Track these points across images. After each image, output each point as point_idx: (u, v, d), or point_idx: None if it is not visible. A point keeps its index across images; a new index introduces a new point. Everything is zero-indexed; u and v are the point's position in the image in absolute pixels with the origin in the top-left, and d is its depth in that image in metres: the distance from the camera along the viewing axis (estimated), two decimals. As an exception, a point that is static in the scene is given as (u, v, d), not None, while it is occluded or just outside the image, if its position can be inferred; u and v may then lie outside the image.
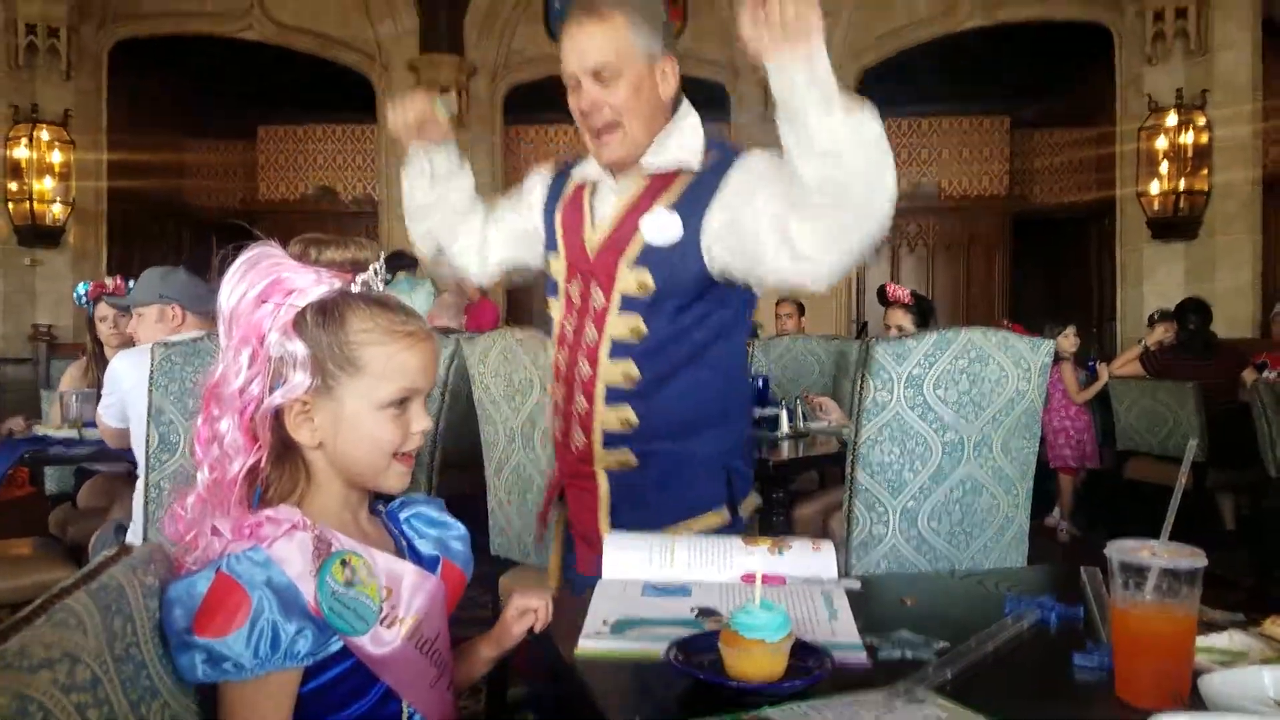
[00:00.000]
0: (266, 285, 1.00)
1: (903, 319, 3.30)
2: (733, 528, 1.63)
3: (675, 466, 1.62)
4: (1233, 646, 1.01)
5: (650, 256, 1.58)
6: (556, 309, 1.74)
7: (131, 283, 3.73)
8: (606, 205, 1.67)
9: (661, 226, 1.58)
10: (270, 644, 0.90)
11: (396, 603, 1.00)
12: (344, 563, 0.97)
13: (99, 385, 3.49)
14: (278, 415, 1.02)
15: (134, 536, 2.36)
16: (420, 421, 1.06)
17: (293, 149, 11.55)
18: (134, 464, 2.63)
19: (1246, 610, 1.08)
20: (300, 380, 1.00)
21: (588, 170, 1.73)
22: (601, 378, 1.62)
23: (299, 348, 1.00)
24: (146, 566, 0.90)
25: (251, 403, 1.00)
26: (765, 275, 1.55)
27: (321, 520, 1.00)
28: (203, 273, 2.93)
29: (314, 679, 0.97)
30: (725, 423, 1.67)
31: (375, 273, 1.07)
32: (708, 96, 10.06)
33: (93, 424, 3.10)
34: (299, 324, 1.01)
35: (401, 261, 6.85)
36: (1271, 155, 8.66)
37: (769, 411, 3.03)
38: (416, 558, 1.12)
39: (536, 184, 1.86)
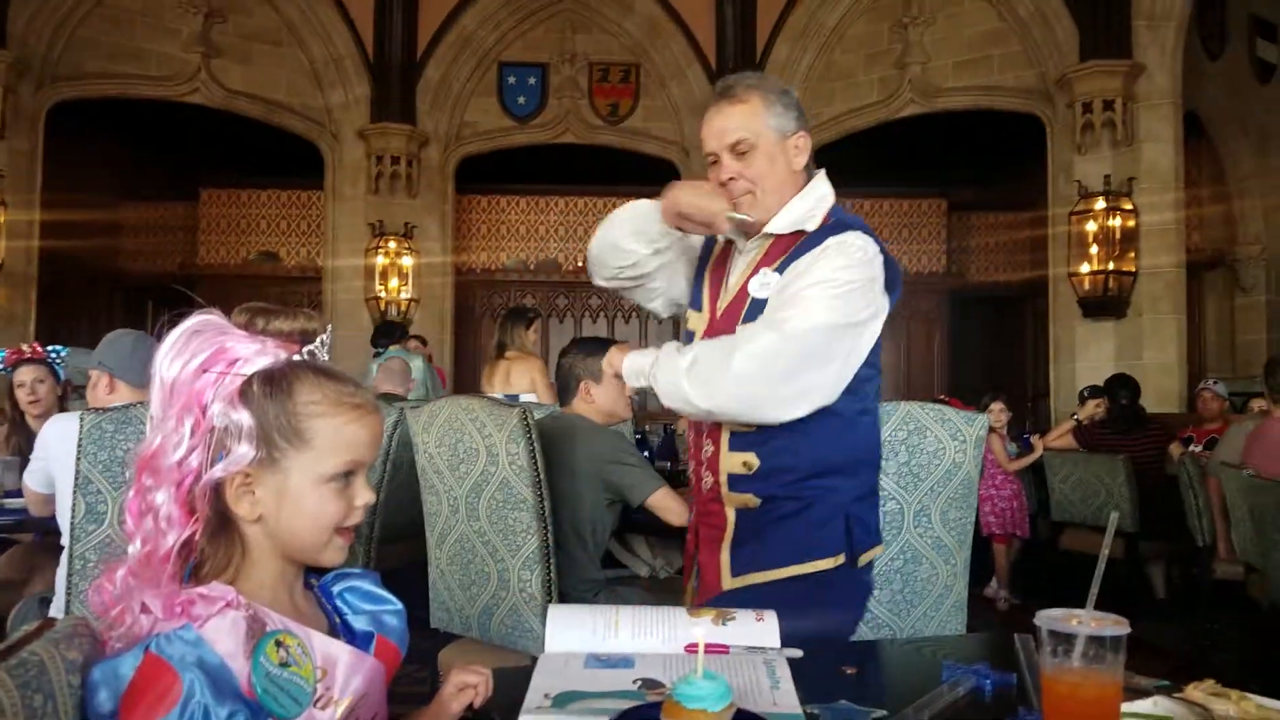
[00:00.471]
0: (210, 354, 0.98)
1: None
2: (850, 577, 1.73)
3: (795, 510, 1.71)
4: (1156, 711, 1.04)
5: (756, 313, 1.72)
6: None
7: (54, 348, 3.65)
8: (737, 269, 1.84)
9: (763, 284, 1.74)
10: None
11: (331, 683, 0.98)
12: (278, 643, 0.94)
13: (20, 453, 3.40)
14: (216, 488, 0.99)
15: (57, 610, 2.28)
16: (363, 495, 1.05)
17: (235, 213, 11.45)
18: (57, 534, 2.55)
19: (1178, 678, 1.11)
20: (244, 452, 0.97)
21: (733, 234, 1.86)
22: (725, 425, 1.74)
23: (244, 418, 0.97)
24: (70, 641, 0.86)
25: (190, 474, 0.97)
26: None
27: (255, 597, 0.97)
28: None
29: None
30: (850, 472, 1.78)
31: (322, 344, 1.06)
32: (660, 173, 10.28)
33: (13, 493, 3.00)
34: (245, 394, 0.98)
35: (392, 334, 6.85)
36: (1193, 239, 9.11)
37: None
38: (349, 634, 1.09)
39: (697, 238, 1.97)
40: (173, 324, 1.00)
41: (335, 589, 1.13)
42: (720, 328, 1.79)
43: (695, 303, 1.91)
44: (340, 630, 1.09)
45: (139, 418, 1.97)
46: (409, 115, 9.49)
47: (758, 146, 1.77)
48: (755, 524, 1.75)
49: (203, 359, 0.98)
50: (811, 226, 1.78)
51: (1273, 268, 9.66)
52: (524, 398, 4.67)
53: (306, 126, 9.56)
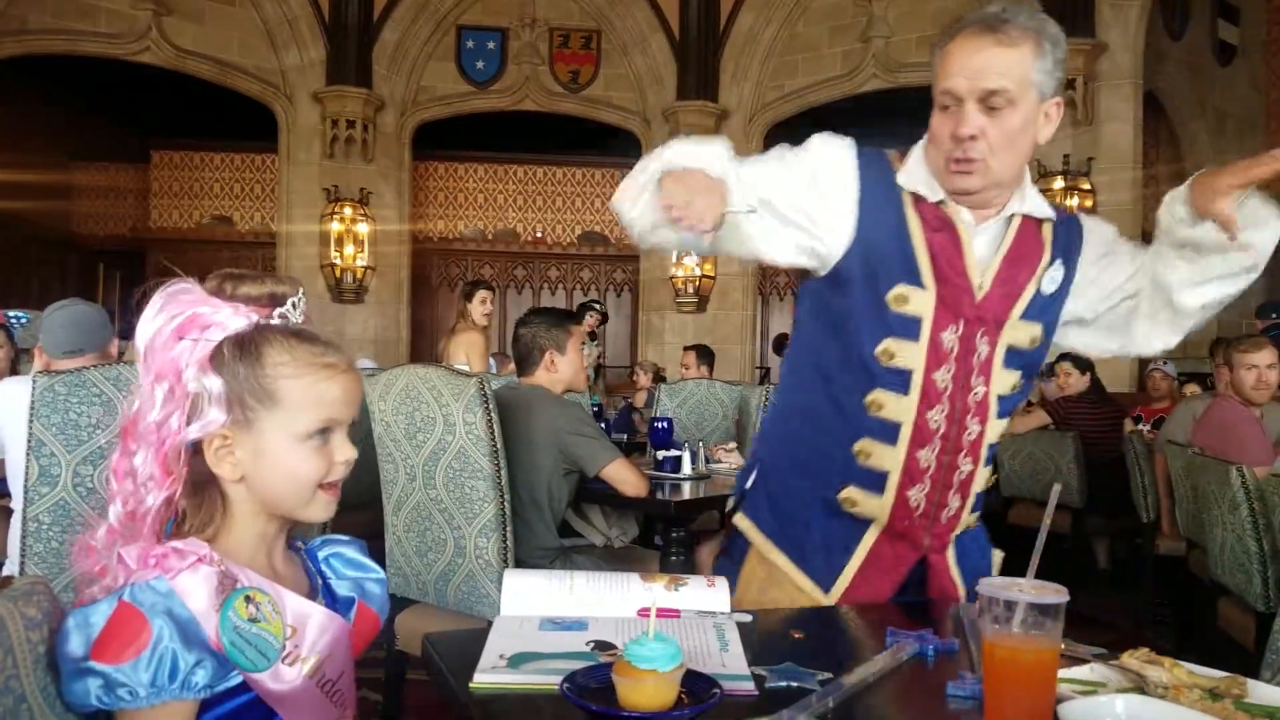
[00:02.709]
0: (184, 320, 1.00)
1: None
2: None
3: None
4: (1093, 677, 1.07)
5: (1037, 307, 1.51)
6: (911, 354, 1.48)
7: (11, 312, 3.61)
8: (977, 248, 1.49)
9: (1054, 278, 1.53)
10: (168, 673, 0.90)
11: (300, 641, 1.00)
12: (248, 599, 0.96)
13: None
14: (197, 449, 1.02)
15: (10, 571, 2.25)
16: (344, 451, 1.07)
17: (188, 176, 11.24)
18: (6, 495, 2.52)
19: (1117, 649, 1.15)
20: (215, 416, 1.00)
21: (918, 184, 1.50)
22: (988, 437, 1.53)
23: (214, 383, 1.00)
24: (28, 599, 0.88)
25: (170, 436, 1.00)
26: (1111, 344, 1.63)
27: (233, 555, 1.00)
28: (92, 299, 2.83)
29: (212, 710, 0.96)
30: None
31: (293, 306, 1.07)
32: (621, 143, 10.23)
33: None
34: (216, 358, 1.01)
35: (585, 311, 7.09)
36: (1149, 220, 9.23)
37: (672, 453, 3.08)
38: (331, 598, 1.12)
39: (844, 173, 1.53)
40: (148, 293, 1.02)
41: (321, 553, 1.16)
42: (981, 313, 1.48)
43: (906, 275, 1.47)
44: (323, 593, 1.12)
45: (92, 380, 1.95)
46: (365, 78, 9.33)
47: (1017, 104, 1.41)
48: (970, 548, 1.64)
49: (177, 324, 1.00)
50: (1053, 214, 1.56)
51: (1225, 250, 9.84)
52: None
53: (260, 88, 9.36)
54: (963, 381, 1.48)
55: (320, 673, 1.02)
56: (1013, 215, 1.51)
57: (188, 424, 1.00)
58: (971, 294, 1.47)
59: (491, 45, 9.94)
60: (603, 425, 4.65)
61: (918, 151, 1.54)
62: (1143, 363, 7.62)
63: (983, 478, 1.58)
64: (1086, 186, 7.87)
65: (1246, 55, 9.98)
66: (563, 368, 2.79)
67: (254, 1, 9.22)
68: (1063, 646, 1.07)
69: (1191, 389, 6.01)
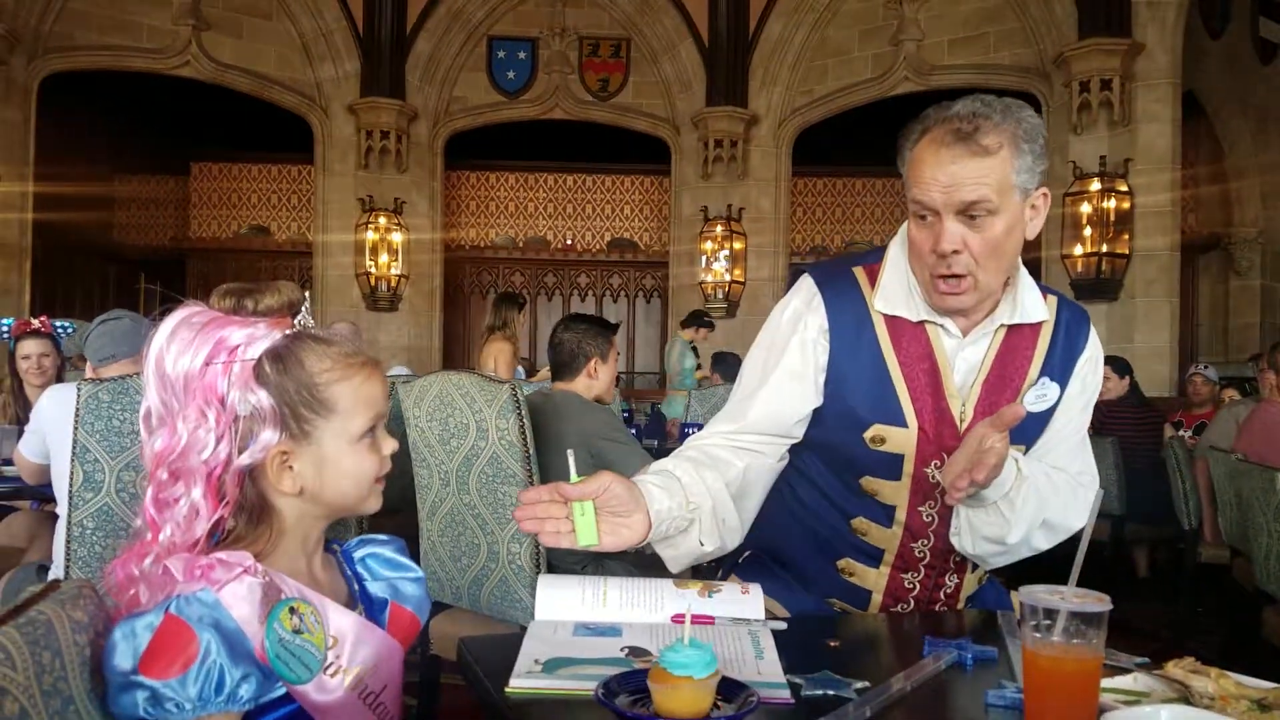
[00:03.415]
0: (211, 348, 1.00)
1: None
2: None
3: None
4: (1136, 687, 1.05)
5: (1020, 429, 1.30)
6: (896, 493, 1.44)
7: (58, 322, 3.71)
8: (962, 363, 1.42)
9: (1043, 396, 1.42)
10: (215, 687, 0.90)
11: (341, 652, 1.00)
12: (292, 610, 0.96)
13: (19, 422, 3.45)
14: (251, 472, 1.02)
15: (55, 574, 2.30)
16: (389, 444, 1.09)
17: (226, 186, 11.43)
18: (52, 500, 2.57)
19: (1159, 659, 1.12)
20: (270, 436, 1.00)
21: (897, 306, 1.41)
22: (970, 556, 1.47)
23: (264, 399, 1.00)
24: (75, 602, 0.89)
25: (219, 465, 1.00)
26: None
27: (275, 565, 1.00)
28: (133, 309, 2.90)
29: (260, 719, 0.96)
30: None
31: (306, 310, 1.08)
32: (651, 150, 10.25)
33: (10, 461, 3.03)
34: (260, 375, 1.00)
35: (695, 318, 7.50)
36: (1188, 222, 9.09)
37: (703, 459, 3.07)
38: (366, 599, 1.12)
39: (812, 337, 1.44)
40: (161, 316, 1.01)
41: (357, 554, 1.16)
42: (951, 444, 1.37)
43: (884, 416, 1.40)
44: (359, 597, 1.12)
45: (134, 388, 1.99)
46: (398, 90, 9.44)
47: (999, 211, 1.30)
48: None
49: (206, 352, 0.99)
50: (1051, 317, 1.46)
51: (1269, 251, 9.62)
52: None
53: (296, 101, 9.51)
54: (944, 513, 1.44)
55: (362, 685, 1.01)
56: (999, 326, 1.42)
57: (240, 451, 1.00)
58: (955, 426, 1.40)
59: (522, 55, 10.01)
60: (633, 432, 4.65)
61: (893, 261, 1.45)
62: (1183, 367, 7.50)
63: (969, 582, 1.55)
64: (1124, 188, 7.74)
65: (1288, 53, 9.77)
66: (603, 376, 2.82)
67: (290, 15, 9.37)
68: (1105, 656, 1.06)
69: (1230, 394, 5.89)
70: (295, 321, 1.06)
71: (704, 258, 9.70)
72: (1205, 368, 6.03)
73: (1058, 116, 8.21)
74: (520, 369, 5.08)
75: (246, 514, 1.03)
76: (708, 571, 2.63)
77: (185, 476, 0.99)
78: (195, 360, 0.99)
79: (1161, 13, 7.72)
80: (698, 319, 7.56)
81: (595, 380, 2.81)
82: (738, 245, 9.64)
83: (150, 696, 0.87)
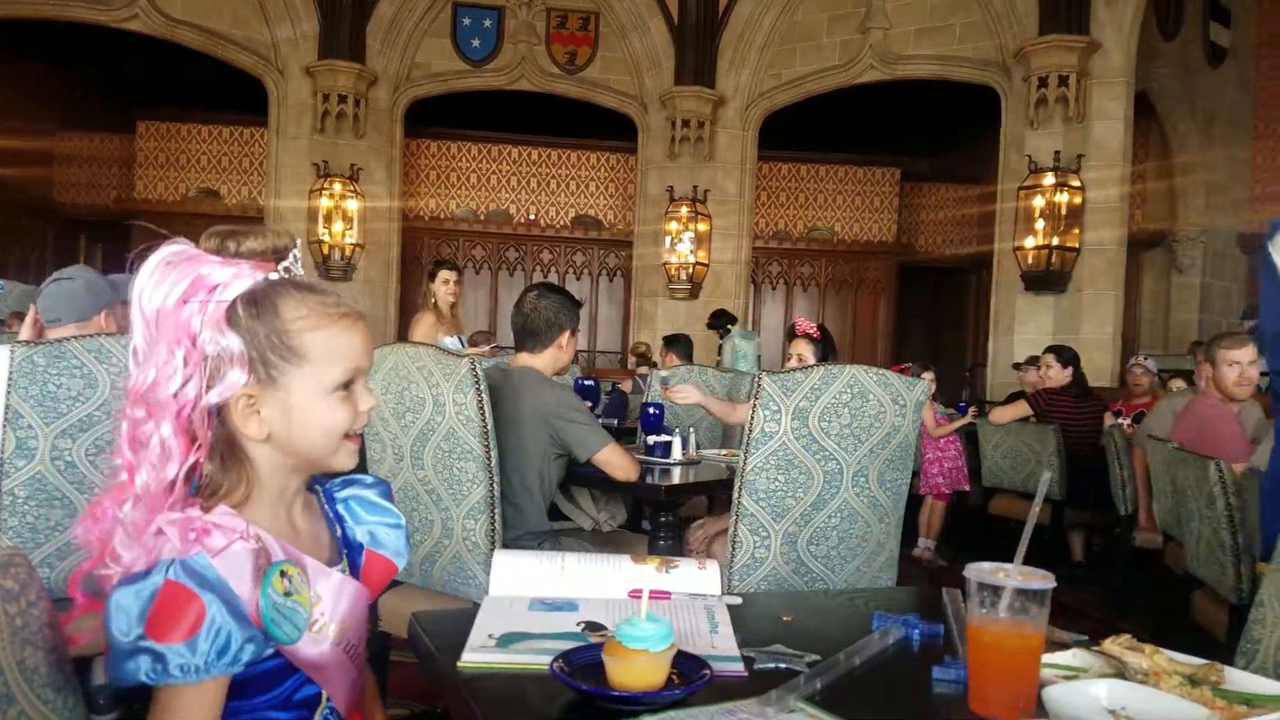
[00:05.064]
0: (189, 284, 0.98)
1: (805, 349, 3.40)
2: None
3: None
4: (1075, 663, 1.09)
5: None
6: None
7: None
8: None
9: None
10: (220, 650, 0.91)
11: (325, 609, 1.02)
12: (283, 573, 0.97)
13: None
14: (219, 411, 1.01)
15: (-12, 544, 2.23)
16: (366, 400, 1.07)
17: (174, 147, 11.11)
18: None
19: (1096, 637, 1.16)
20: (237, 377, 0.99)
21: None
22: None
23: (234, 342, 0.98)
24: (5, 571, 0.87)
25: (188, 403, 0.98)
26: None
27: (257, 520, 1.00)
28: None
29: (240, 675, 0.97)
30: None
31: (295, 258, 1.06)
32: (619, 126, 10.19)
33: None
34: (231, 318, 0.99)
35: (723, 318, 7.77)
36: (1135, 218, 9.31)
37: (662, 439, 3.08)
38: (346, 542, 1.14)
39: None
40: (142, 257, 0.99)
41: (341, 495, 1.16)
42: None
43: None
44: (340, 540, 1.13)
45: (73, 352, 1.91)
46: (358, 53, 9.26)
47: None
48: None
49: (182, 289, 0.98)
50: None
51: (1209, 249, 9.93)
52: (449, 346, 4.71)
53: (251, 61, 9.28)
54: None
55: (344, 638, 1.04)
56: None
57: (208, 389, 0.99)
58: None
59: (488, 23, 9.87)
60: (592, 408, 4.65)
61: None
62: (1125, 358, 7.70)
63: None
64: (1076, 184, 7.91)
65: (1236, 57, 10.03)
66: (569, 349, 2.78)
67: (247, -29, 9.12)
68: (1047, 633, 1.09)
69: (1177, 384, 6.05)
70: (280, 267, 1.04)
71: (668, 238, 9.70)
72: (1146, 359, 6.20)
73: (1016, 110, 8.35)
74: (451, 339, 4.97)
75: (220, 459, 1.02)
76: (666, 550, 2.65)
77: (154, 411, 0.98)
78: (170, 297, 0.97)
79: (1119, 13, 7.87)
80: (720, 318, 7.94)
81: (563, 352, 2.78)
82: (702, 227, 9.65)
83: (156, 660, 0.88)
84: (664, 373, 4.44)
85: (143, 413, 0.98)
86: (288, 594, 0.97)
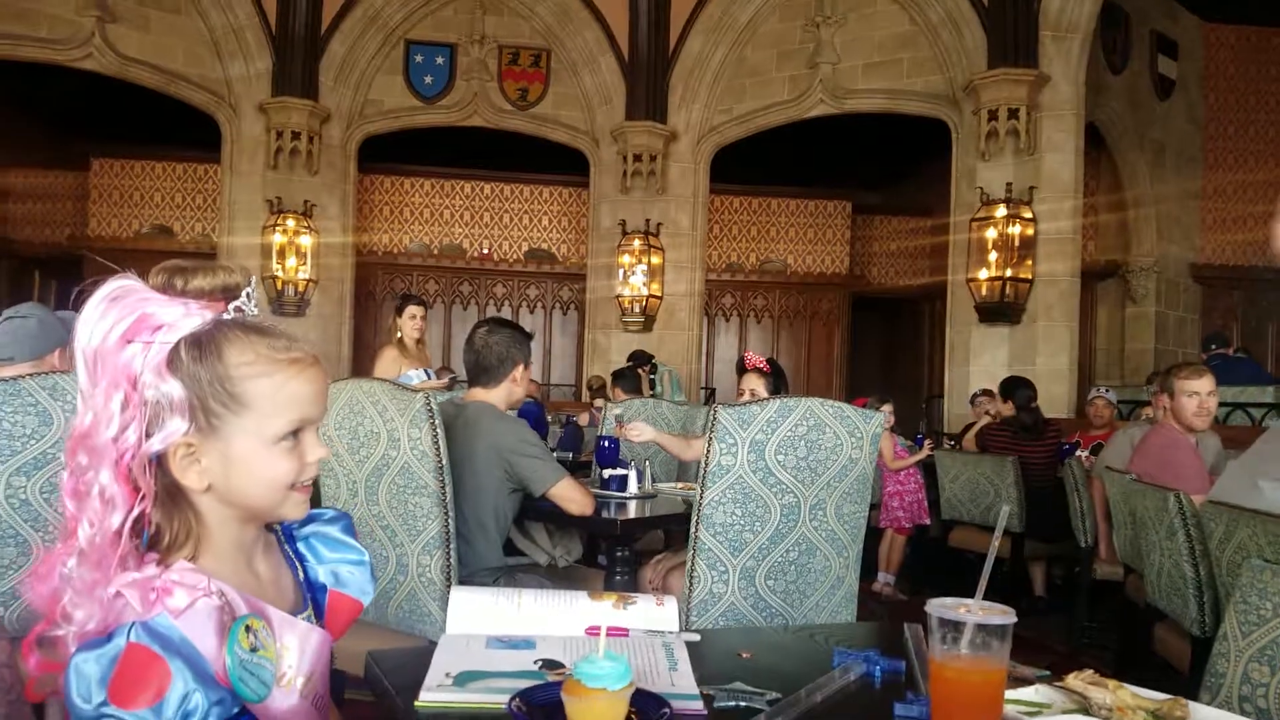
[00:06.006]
0: (132, 323, 0.93)
1: (757, 383, 3.40)
2: None
3: None
4: (1038, 699, 1.08)
5: None
6: None
7: None
8: None
9: None
10: (185, 715, 0.85)
11: (292, 661, 0.97)
12: (248, 628, 0.92)
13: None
14: (160, 461, 0.95)
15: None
16: (315, 450, 1.01)
17: (128, 183, 10.98)
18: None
19: (1057, 671, 1.15)
20: (176, 426, 0.93)
21: None
22: None
23: (174, 388, 0.93)
24: None
25: (129, 450, 0.92)
26: None
27: (216, 571, 0.95)
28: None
29: None
30: None
31: (247, 297, 1.00)
32: (571, 160, 10.24)
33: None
34: (173, 362, 0.93)
35: (644, 357, 8.14)
36: (1089, 249, 9.50)
37: (618, 472, 3.06)
38: (308, 583, 1.09)
39: None
40: (87, 293, 0.93)
41: (301, 533, 1.11)
42: None
43: None
44: (302, 583, 1.09)
45: (27, 390, 1.88)
46: (311, 90, 9.22)
47: None
48: None
49: (125, 328, 0.92)
50: None
51: (1162, 279, 10.14)
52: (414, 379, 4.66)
53: (204, 98, 9.19)
54: None
55: (312, 688, 0.99)
56: None
57: (148, 436, 0.93)
58: None
59: (440, 60, 9.89)
60: (548, 443, 4.61)
61: None
62: (1082, 388, 7.81)
63: None
64: (1028, 215, 8.04)
65: (1185, 89, 10.34)
66: (522, 383, 2.77)
67: (200, 10, 9.06)
68: (1010, 668, 1.08)
69: (1147, 412, 6.12)
70: (231, 307, 0.98)
71: (621, 271, 9.72)
72: (1106, 391, 6.26)
73: (966, 143, 8.49)
74: (414, 373, 4.93)
75: (165, 510, 0.96)
76: (622, 585, 2.62)
77: (93, 457, 0.92)
78: (112, 335, 0.92)
79: (1066, 46, 8.06)
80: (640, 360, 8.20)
81: (517, 386, 2.76)
82: (655, 260, 9.68)
83: None
84: (617, 409, 4.41)
85: (85, 460, 0.92)
86: (254, 649, 0.92)
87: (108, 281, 0.94)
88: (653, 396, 7.42)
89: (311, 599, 1.09)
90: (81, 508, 0.92)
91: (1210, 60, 10.54)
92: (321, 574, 1.11)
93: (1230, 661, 1.32)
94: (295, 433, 0.99)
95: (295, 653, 0.97)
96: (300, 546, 1.11)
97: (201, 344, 0.95)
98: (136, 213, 10.95)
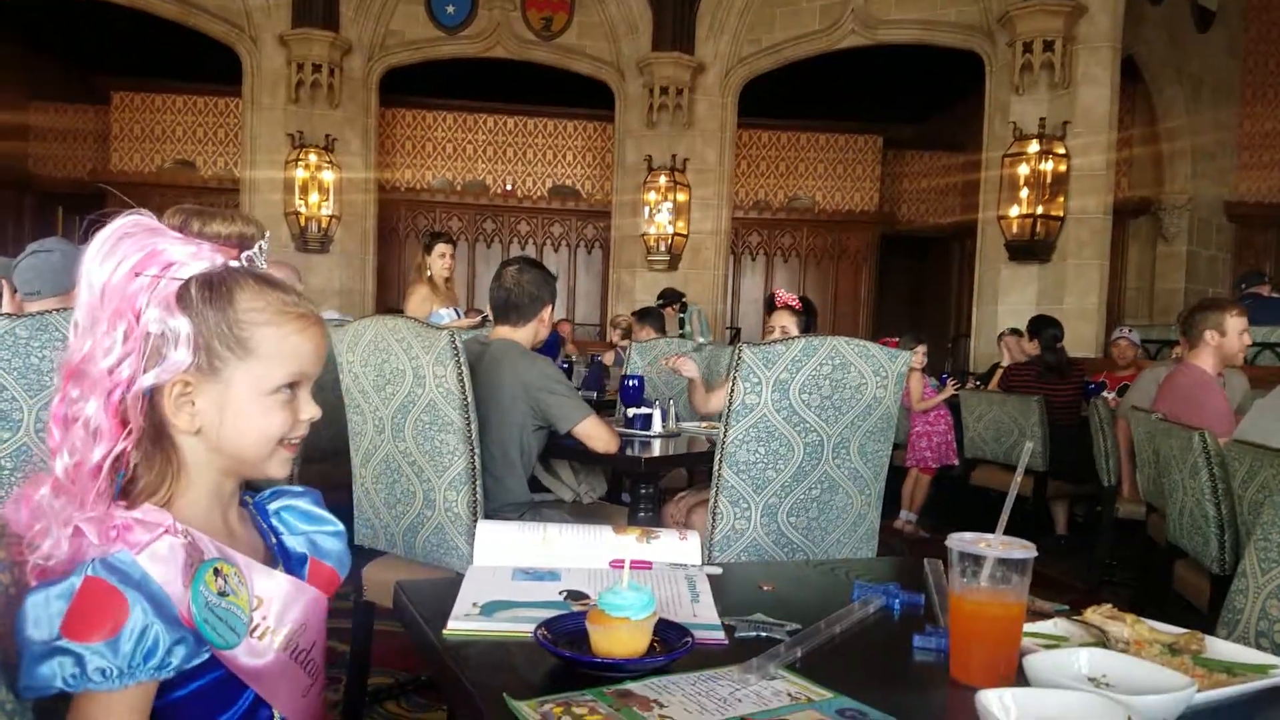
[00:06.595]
0: (143, 257, 0.92)
1: (788, 320, 3.37)
2: None
3: None
4: (1056, 632, 1.09)
5: None
6: None
7: None
8: None
9: None
10: (146, 652, 0.84)
11: (268, 613, 0.96)
12: (216, 571, 0.91)
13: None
14: (152, 398, 0.94)
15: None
16: (309, 409, 1.01)
17: (149, 118, 10.97)
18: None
19: (1077, 607, 1.16)
20: (181, 358, 0.92)
21: None
22: None
23: (182, 324, 0.92)
24: None
25: (122, 384, 0.92)
26: None
27: (189, 519, 0.94)
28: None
29: (181, 689, 0.91)
30: None
31: (260, 249, 1.00)
32: (596, 94, 10.09)
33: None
34: (183, 299, 0.93)
35: (675, 295, 8.08)
36: (1121, 186, 9.30)
37: (643, 411, 3.07)
38: (284, 554, 1.07)
39: None
40: (98, 226, 0.93)
41: (272, 507, 1.10)
42: None
43: None
44: (276, 551, 1.07)
45: (55, 324, 1.91)
46: (332, 21, 9.11)
47: None
48: None
49: (135, 262, 0.92)
50: None
51: (1195, 218, 9.89)
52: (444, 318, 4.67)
53: (224, 29, 9.12)
54: None
55: (294, 644, 0.98)
56: None
57: (145, 370, 0.92)
58: None
59: (463, -12, 9.73)
60: (572, 382, 4.64)
61: None
62: (1109, 329, 7.72)
63: None
64: (1061, 151, 7.86)
65: (1225, 22, 9.97)
66: (548, 323, 2.79)
67: (218, -62, 8.95)
68: (1029, 602, 1.09)
69: (1178, 351, 6.07)
70: (244, 256, 0.98)
71: (647, 209, 9.64)
72: (1130, 331, 6.21)
73: (1000, 76, 8.28)
74: (444, 312, 4.93)
75: (146, 451, 0.95)
76: (646, 522, 2.65)
77: (85, 386, 0.91)
78: (121, 269, 0.91)
79: (1104, -25, 7.79)
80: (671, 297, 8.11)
81: (544, 326, 2.77)
82: (681, 197, 9.59)
83: (75, 663, 0.82)
84: (637, 350, 4.47)
85: (77, 391, 0.91)
86: (223, 594, 0.90)
87: (120, 216, 0.94)
88: (680, 336, 7.42)
89: (287, 570, 1.06)
90: (66, 436, 0.91)
91: (1253, -10, 10.17)
92: (297, 544, 1.09)
93: (1249, 598, 1.32)
94: (292, 386, 0.99)
95: (275, 605, 0.96)
96: (273, 520, 1.09)
97: (214, 285, 0.95)
98: (158, 147, 10.96)
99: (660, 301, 8.02)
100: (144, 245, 0.93)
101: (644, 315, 6.48)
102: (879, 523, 2.36)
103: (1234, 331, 3.54)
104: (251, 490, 1.11)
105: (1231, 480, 2.53)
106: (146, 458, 0.96)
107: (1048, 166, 7.87)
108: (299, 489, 1.13)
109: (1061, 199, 7.91)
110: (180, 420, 0.96)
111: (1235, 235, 10.38)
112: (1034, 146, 7.87)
